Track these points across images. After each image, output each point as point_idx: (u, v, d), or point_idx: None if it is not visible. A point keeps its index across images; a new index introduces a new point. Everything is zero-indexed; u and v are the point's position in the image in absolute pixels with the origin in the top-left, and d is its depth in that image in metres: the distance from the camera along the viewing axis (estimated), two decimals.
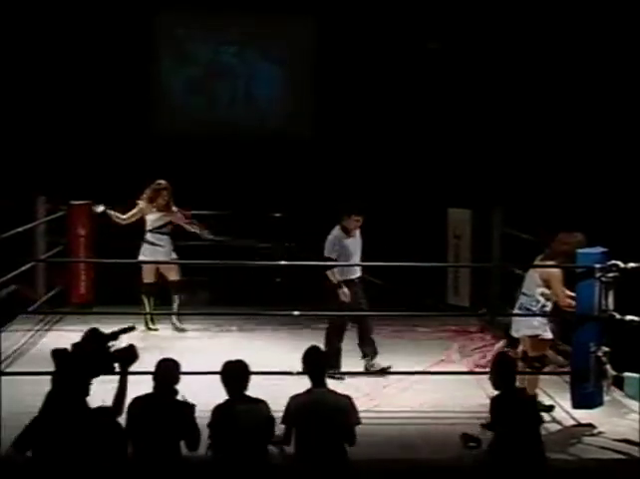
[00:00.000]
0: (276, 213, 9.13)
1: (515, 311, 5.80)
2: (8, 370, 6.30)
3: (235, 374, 4.51)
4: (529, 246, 6.69)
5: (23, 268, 7.23)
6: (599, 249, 5.45)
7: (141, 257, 7.51)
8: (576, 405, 5.53)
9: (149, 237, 7.59)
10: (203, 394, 5.33)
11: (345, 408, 4.39)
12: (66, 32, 9.60)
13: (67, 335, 7.24)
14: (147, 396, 4.59)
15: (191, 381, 5.15)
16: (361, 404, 4.77)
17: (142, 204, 7.62)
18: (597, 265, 5.33)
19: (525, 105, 9.66)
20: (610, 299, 5.37)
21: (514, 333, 5.87)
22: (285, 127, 10.37)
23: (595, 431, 5.43)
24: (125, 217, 7.64)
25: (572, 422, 5.58)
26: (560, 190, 9.25)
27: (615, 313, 5.39)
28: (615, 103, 9.33)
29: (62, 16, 9.62)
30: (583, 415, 5.55)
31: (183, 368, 5.45)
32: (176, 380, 4.66)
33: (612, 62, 9.39)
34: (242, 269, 8.40)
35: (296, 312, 6.13)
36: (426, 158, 9.87)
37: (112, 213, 7.67)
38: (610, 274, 5.33)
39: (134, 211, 7.65)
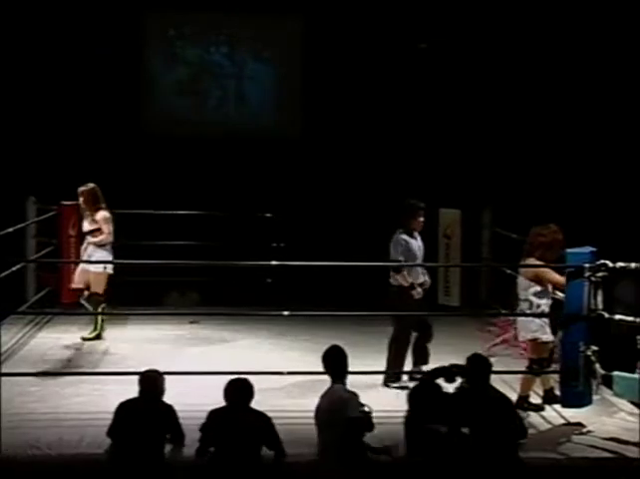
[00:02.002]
0: (266, 213, 9.12)
1: (518, 319, 5.81)
2: None
3: (239, 393, 4.50)
4: (519, 246, 6.72)
5: (13, 269, 7.19)
6: (588, 249, 5.46)
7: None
8: (566, 404, 5.54)
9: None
10: (191, 396, 5.35)
11: (354, 407, 4.45)
12: (57, 32, 9.55)
13: (57, 336, 7.25)
14: (133, 400, 4.64)
15: (180, 383, 5.16)
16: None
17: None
18: (586, 265, 5.34)
19: (514, 106, 9.69)
20: (599, 299, 5.38)
21: (520, 338, 5.89)
22: (274, 127, 10.36)
23: (584, 430, 5.43)
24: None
25: (562, 421, 5.59)
26: (549, 190, 9.28)
27: (604, 313, 5.40)
28: (603, 104, 9.36)
29: (52, 17, 9.57)
30: (573, 414, 5.56)
31: (172, 369, 5.46)
32: (161, 391, 4.67)
33: (599, 61, 9.43)
34: (233, 270, 8.39)
35: (286, 312, 6.11)
36: (416, 158, 9.88)
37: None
38: (599, 274, 5.34)
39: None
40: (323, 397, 4.52)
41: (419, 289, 6.18)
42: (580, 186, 9.24)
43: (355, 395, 4.51)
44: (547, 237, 5.64)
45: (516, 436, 4.62)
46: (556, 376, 5.77)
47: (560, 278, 5.57)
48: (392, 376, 6.15)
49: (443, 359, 5.89)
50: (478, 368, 4.68)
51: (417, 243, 6.28)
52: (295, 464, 4.57)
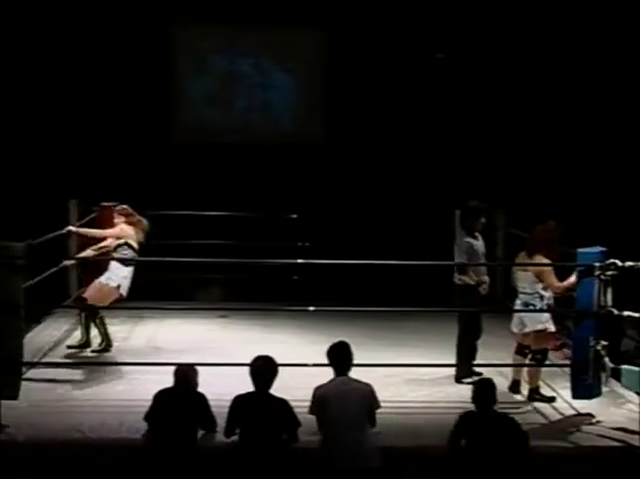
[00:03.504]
0: (292, 214, 9.21)
1: (520, 308, 5.85)
2: (44, 361, 6.44)
3: (263, 370, 4.61)
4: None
5: (56, 268, 7.32)
6: (598, 249, 5.49)
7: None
8: (576, 396, 5.58)
9: None
10: (225, 384, 5.43)
11: (367, 393, 4.52)
12: (95, 45, 9.69)
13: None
14: (170, 389, 4.75)
15: (211, 373, 5.24)
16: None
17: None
18: (597, 264, 5.38)
19: (527, 111, 9.70)
20: (609, 296, 5.41)
21: (515, 328, 5.91)
22: (298, 133, 10.43)
23: (594, 420, 5.46)
24: None
25: (572, 412, 5.62)
26: (561, 192, 9.28)
27: (613, 309, 5.43)
28: (614, 107, 9.35)
29: (88, 29, 9.70)
30: (583, 405, 5.59)
31: (204, 360, 5.55)
32: (195, 384, 4.76)
33: (613, 69, 9.42)
34: (262, 268, 8.47)
35: (311, 308, 6.18)
36: (433, 162, 9.92)
37: None
38: (609, 272, 5.37)
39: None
40: (332, 386, 4.50)
41: (484, 286, 6.24)
42: (591, 187, 9.23)
43: (371, 386, 4.57)
44: (550, 233, 5.74)
45: (521, 463, 4.43)
46: (559, 371, 5.87)
47: (557, 284, 5.63)
48: (464, 372, 6.12)
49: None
50: (483, 392, 4.55)
51: (479, 243, 6.35)
52: (311, 450, 4.61)
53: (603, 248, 5.48)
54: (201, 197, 9.51)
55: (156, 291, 7.85)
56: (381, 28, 9.98)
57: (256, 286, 8.57)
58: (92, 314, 6.66)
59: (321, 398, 4.48)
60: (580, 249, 5.52)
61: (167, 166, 9.91)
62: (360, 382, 4.57)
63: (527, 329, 5.84)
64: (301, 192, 9.80)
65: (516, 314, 5.89)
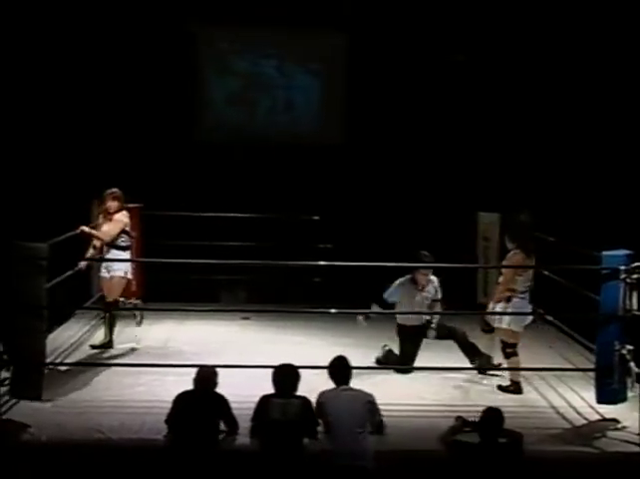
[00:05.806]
0: (314, 216, 9.18)
1: (529, 308, 5.99)
2: (67, 361, 6.46)
3: (284, 377, 4.66)
4: (554, 248, 6.67)
5: (78, 267, 7.34)
6: (623, 252, 5.41)
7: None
8: (601, 400, 5.50)
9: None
10: (245, 385, 5.41)
11: (364, 400, 4.65)
12: (121, 49, 9.72)
13: (119, 329, 7.39)
14: (190, 392, 4.74)
15: (232, 375, 5.23)
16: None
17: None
18: (622, 267, 5.29)
19: (549, 113, 9.62)
20: (634, 300, 5.32)
21: (519, 327, 5.93)
22: (320, 134, 10.41)
23: (619, 425, 5.38)
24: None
25: (597, 417, 5.54)
26: (584, 195, 9.18)
27: (639, 313, 5.34)
28: (636, 112, 9.23)
29: (114, 32, 9.74)
30: (607, 410, 5.51)
31: (225, 362, 5.53)
32: (215, 385, 4.75)
33: (626, 72, 9.32)
34: (284, 269, 8.45)
35: (333, 310, 6.15)
36: (454, 163, 9.86)
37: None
38: (634, 276, 5.29)
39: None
40: (336, 394, 4.64)
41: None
42: (615, 190, 9.12)
43: (372, 396, 4.72)
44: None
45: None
46: (583, 375, 5.91)
47: None
48: (384, 356, 6.40)
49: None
50: (489, 423, 4.50)
51: (419, 295, 6.40)
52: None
53: (628, 251, 5.39)
54: (224, 197, 9.52)
55: (177, 293, 7.85)
56: (402, 30, 9.94)
57: (278, 288, 8.55)
58: (115, 309, 6.79)
59: (321, 403, 4.62)
60: (605, 252, 5.44)
61: (190, 166, 9.92)
62: (359, 391, 4.71)
63: (525, 323, 5.96)
64: (324, 193, 9.78)
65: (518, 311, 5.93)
